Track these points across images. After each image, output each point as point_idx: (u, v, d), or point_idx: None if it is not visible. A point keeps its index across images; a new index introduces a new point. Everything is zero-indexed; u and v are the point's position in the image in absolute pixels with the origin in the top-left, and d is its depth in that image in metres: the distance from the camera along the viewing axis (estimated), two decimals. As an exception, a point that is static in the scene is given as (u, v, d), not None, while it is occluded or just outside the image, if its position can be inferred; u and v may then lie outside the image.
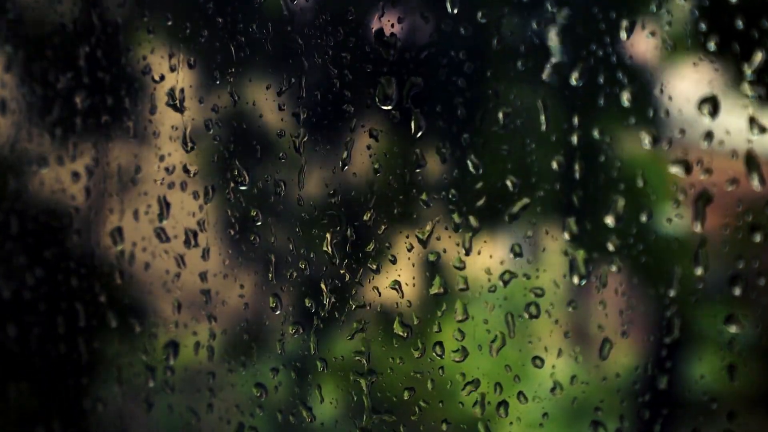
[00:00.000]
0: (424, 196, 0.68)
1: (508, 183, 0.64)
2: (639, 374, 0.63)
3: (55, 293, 0.92)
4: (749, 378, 0.59)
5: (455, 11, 0.65)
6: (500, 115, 0.64)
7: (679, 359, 0.61)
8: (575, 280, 0.63)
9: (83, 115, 0.88)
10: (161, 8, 0.81)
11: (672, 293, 0.60)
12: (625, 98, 0.60)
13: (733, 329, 0.59)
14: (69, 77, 0.88)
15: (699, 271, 0.59)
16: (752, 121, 0.56)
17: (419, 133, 0.67)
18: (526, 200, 0.64)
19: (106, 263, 0.89)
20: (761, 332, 0.59)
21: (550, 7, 0.62)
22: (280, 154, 0.74)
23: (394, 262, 0.69)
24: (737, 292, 0.58)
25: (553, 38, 0.62)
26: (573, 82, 0.61)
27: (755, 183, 0.57)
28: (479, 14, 0.64)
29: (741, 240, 0.58)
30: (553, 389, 0.64)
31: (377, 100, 0.67)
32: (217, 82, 0.77)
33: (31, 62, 0.92)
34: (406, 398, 0.70)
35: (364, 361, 0.71)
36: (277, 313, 0.76)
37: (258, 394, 0.78)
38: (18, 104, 0.94)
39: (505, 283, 0.66)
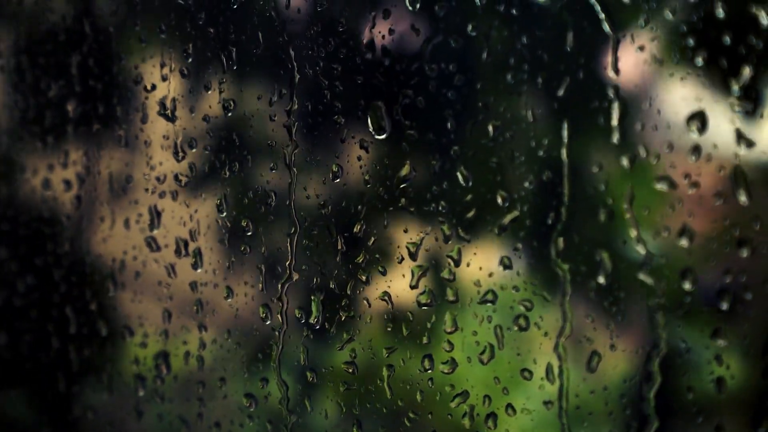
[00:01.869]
0: (413, 208, 0.68)
1: (498, 195, 0.64)
2: (627, 387, 0.63)
3: (45, 301, 0.92)
4: (736, 391, 0.60)
5: (445, 24, 0.65)
6: (490, 127, 0.65)
7: (667, 372, 0.61)
8: (564, 292, 0.63)
9: (75, 124, 0.88)
10: (153, 17, 0.81)
11: (660, 307, 0.61)
12: (614, 112, 0.60)
13: (720, 343, 0.59)
14: (61, 85, 0.88)
15: (686, 286, 0.59)
16: (739, 135, 0.56)
17: (409, 145, 0.67)
18: (515, 213, 0.64)
19: (97, 271, 0.89)
20: (748, 346, 0.59)
21: (539, 21, 0.63)
22: (271, 165, 0.74)
23: (383, 273, 0.70)
24: (725, 306, 0.58)
25: (542, 51, 0.62)
26: (561, 95, 0.62)
27: (742, 198, 0.57)
28: (469, 27, 0.65)
29: (728, 254, 0.58)
30: (542, 402, 0.64)
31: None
32: (209, 92, 0.77)
33: (22, 70, 0.92)
34: (395, 409, 0.70)
35: (354, 372, 0.71)
36: (267, 323, 0.76)
37: (247, 404, 0.78)
38: (9, 112, 0.94)
39: (495, 295, 0.66)
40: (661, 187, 0.59)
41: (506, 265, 0.65)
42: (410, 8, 0.66)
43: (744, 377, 0.59)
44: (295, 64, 0.72)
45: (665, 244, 0.60)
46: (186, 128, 0.79)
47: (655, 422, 0.62)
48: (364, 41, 0.68)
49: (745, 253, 0.57)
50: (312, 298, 0.73)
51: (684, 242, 0.59)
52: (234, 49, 0.75)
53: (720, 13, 0.56)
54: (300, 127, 0.72)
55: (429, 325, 0.68)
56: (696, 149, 0.58)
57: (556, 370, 0.63)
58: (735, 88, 0.56)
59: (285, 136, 0.73)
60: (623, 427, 0.63)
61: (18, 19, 0.93)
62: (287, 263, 0.74)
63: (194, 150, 0.79)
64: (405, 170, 0.68)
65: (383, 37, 0.67)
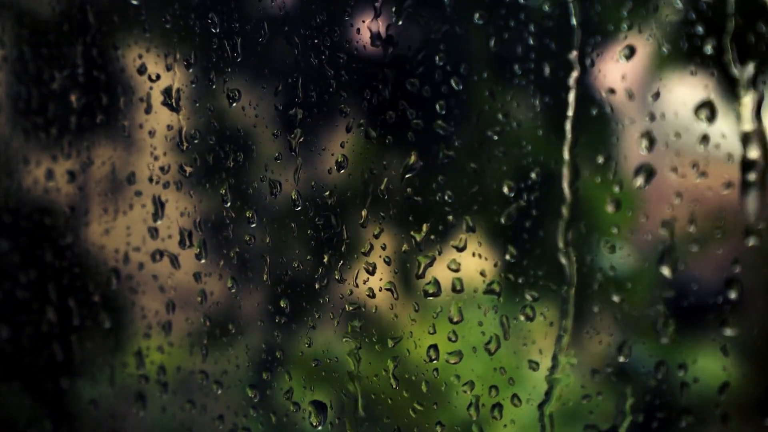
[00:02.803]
0: (419, 198, 0.68)
1: (504, 185, 0.64)
2: (634, 377, 0.62)
3: (48, 293, 0.92)
4: (743, 381, 0.59)
5: (451, 13, 0.65)
6: (496, 117, 0.64)
7: (674, 363, 0.61)
8: (570, 283, 0.63)
9: (78, 114, 0.88)
10: (157, 7, 0.81)
11: (666, 296, 0.60)
12: (621, 100, 0.60)
13: (727, 333, 0.59)
14: (64, 76, 0.88)
15: (694, 275, 0.59)
16: (742, 126, 0.56)
17: (415, 135, 0.67)
18: (521, 202, 0.64)
19: (99, 263, 0.88)
20: (756, 336, 0.59)
21: (545, 11, 0.62)
22: (276, 155, 0.74)
23: (388, 263, 0.69)
24: (732, 295, 0.58)
25: (548, 41, 0.62)
26: (569, 83, 0.61)
27: (748, 190, 0.57)
28: (475, 16, 0.64)
29: (734, 246, 0.58)
30: (547, 393, 0.64)
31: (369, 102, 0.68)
32: (213, 82, 0.77)
33: (26, 60, 0.92)
34: (400, 399, 0.70)
35: (358, 363, 0.71)
36: (271, 313, 0.76)
37: (251, 395, 0.78)
38: (12, 103, 0.94)
39: (500, 285, 0.65)
40: (669, 174, 0.59)
41: (512, 255, 0.65)
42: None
43: (751, 367, 0.59)
44: (300, 53, 0.71)
45: (670, 235, 0.60)
46: (190, 118, 0.79)
47: (661, 413, 0.61)
48: (370, 30, 0.68)
49: (752, 242, 0.57)
50: (316, 288, 0.73)
51: (691, 232, 0.59)
52: (239, 39, 0.75)
53: (728, 2, 0.56)
54: (305, 117, 0.72)
55: (434, 316, 0.68)
56: (704, 139, 0.57)
57: (562, 361, 0.63)
58: (740, 81, 0.56)
59: (290, 125, 0.73)
60: (630, 417, 0.62)
61: (20, 9, 0.92)
62: (291, 253, 0.74)
63: (198, 140, 0.79)
64: (410, 160, 0.68)
65: (388, 26, 0.67)
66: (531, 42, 0.63)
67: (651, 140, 0.59)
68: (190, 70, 0.78)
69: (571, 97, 0.61)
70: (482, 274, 0.66)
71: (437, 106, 0.66)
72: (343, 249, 0.71)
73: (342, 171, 0.71)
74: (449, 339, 0.67)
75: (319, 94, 0.71)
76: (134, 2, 0.82)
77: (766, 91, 0.56)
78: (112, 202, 0.87)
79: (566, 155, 0.62)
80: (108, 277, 0.87)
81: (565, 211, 0.62)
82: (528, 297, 0.64)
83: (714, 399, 0.60)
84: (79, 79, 0.87)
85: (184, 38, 0.78)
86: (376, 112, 0.68)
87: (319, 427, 0.73)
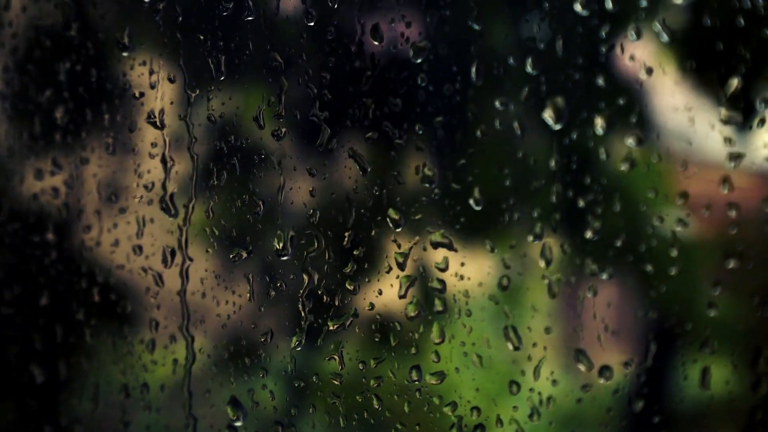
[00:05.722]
0: (403, 217, 0.67)
1: (487, 205, 0.64)
2: (616, 399, 0.62)
3: (32, 309, 0.92)
4: (726, 403, 0.59)
5: (435, 33, 0.65)
6: (480, 135, 0.64)
7: (657, 384, 0.61)
8: (553, 302, 0.63)
9: (63, 131, 0.88)
10: (143, 24, 0.81)
11: (650, 316, 0.60)
12: (609, 116, 0.60)
13: (714, 346, 0.58)
14: (49, 92, 0.88)
15: (679, 292, 0.59)
16: (727, 145, 0.56)
17: (398, 153, 0.67)
18: (504, 223, 0.64)
19: (83, 280, 0.88)
20: (742, 350, 0.59)
21: (533, 24, 0.62)
22: (260, 173, 0.74)
23: (371, 282, 0.69)
24: (712, 314, 0.58)
25: (535, 57, 0.62)
26: (557, 103, 0.61)
27: (730, 209, 0.57)
28: (460, 36, 0.64)
29: (716, 265, 0.58)
30: (530, 414, 0.64)
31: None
32: (198, 99, 0.77)
33: (11, 77, 0.92)
34: (383, 420, 0.69)
35: (342, 382, 0.71)
36: (256, 332, 0.76)
37: (233, 417, 0.78)
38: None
39: (484, 305, 0.65)
40: (652, 195, 0.59)
41: (495, 275, 0.65)
42: (400, 17, 0.66)
43: (733, 389, 0.59)
44: (284, 71, 0.71)
45: (655, 254, 0.60)
46: (174, 135, 0.79)
47: (644, 434, 0.61)
48: (353, 49, 0.68)
49: (732, 264, 0.57)
50: (300, 307, 0.72)
51: (673, 253, 0.59)
52: (223, 56, 0.74)
53: (708, 23, 0.56)
54: (289, 135, 0.72)
55: (417, 336, 0.67)
56: (685, 159, 0.57)
57: (544, 381, 0.63)
58: (724, 98, 0.56)
59: (274, 143, 0.73)
60: (612, 439, 0.62)
61: (6, 26, 0.92)
62: (275, 272, 0.74)
63: (183, 157, 0.79)
64: (394, 179, 0.67)
65: (372, 44, 0.67)
66: (516, 60, 0.63)
67: (636, 158, 0.59)
68: (174, 87, 0.78)
69: (555, 115, 0.61)
70: (465, 294, 0.66)
71: (421, 125, 0.66)
72: (326, 268, 0.71)
73: (325, 190, 0.70)
74: (432, 359, 0.67)
75: (302, 112, 0.71)
76: (120, 18, 0.82)
77: (748, 113, 0.56)
78: (96, 219, 0.86)
79: (550, 175, 0.62)
80: (91, 294, 0.87)
81: (547, 230, 0.62)
82: (510, 317, 0.64)
83: (697, 420, 0.60)
84: (64, 95, 0.87)
85: (169, 56, 0.78)
86: (359, 131, 0.68)
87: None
